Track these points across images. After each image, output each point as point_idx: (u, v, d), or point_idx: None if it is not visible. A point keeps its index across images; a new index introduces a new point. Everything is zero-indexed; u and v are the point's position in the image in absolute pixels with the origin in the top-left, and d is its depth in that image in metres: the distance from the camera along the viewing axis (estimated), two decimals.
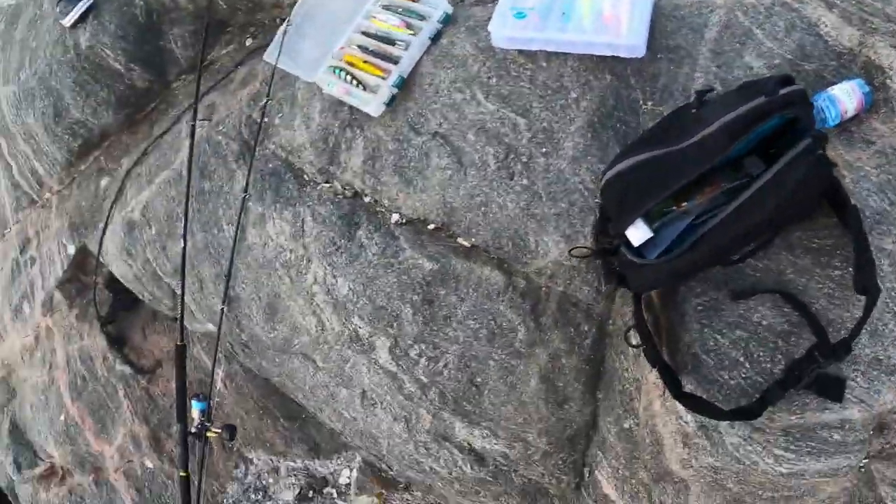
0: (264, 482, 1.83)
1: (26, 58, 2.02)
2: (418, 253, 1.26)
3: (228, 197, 1.54)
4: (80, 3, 1.86)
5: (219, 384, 1.77)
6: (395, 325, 1.30)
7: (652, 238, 0.93)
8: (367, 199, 1.38)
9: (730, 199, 0.87)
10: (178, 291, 1.66)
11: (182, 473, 1.66)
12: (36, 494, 2.30)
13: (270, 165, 1.51)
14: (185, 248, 1.50)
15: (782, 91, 0.82)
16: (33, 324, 2.17)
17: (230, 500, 1.86)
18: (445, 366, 1.30)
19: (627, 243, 0.91)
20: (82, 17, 1.86)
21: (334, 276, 1.33)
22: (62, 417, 2.05)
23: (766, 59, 1.07)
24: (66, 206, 2.06)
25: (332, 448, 1.73)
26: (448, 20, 1.42)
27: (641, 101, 1.19)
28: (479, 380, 1.30)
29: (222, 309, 1.52)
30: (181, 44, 1.89)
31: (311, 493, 1.76)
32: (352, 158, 1.38)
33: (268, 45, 1.60)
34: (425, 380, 1.31)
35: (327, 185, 1.42)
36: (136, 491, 1.98)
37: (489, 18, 1.30)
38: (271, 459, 1.82)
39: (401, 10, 1.45)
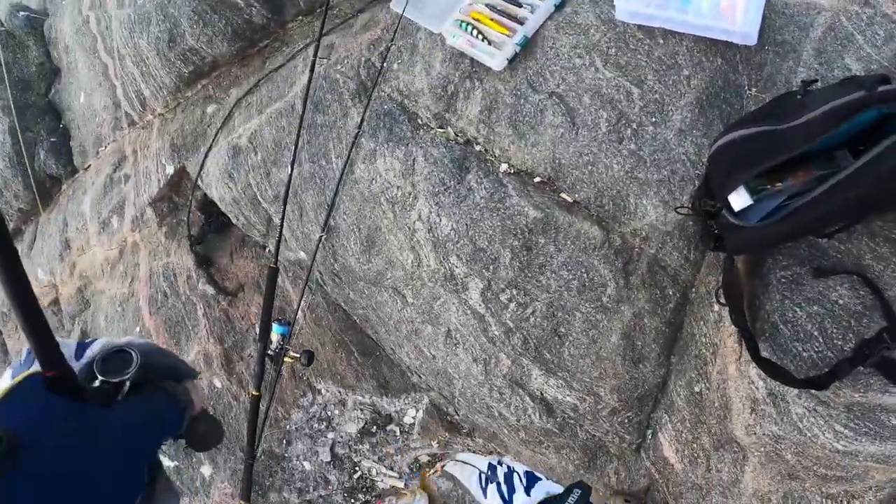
0: (329, 413, 2.22)
1: None
2: (525, 201, 1.58)
3: (341, 132, 1.90)
4: None
5: (296, 302, 2.16)
6: (491, 267, 1.63)
7: (746, 209, 1.22)
8: (478, 147, 1.71)
9: (820, 184, 1.14)
10: (276, 217, 2.05)
11: (255, 393, 2.06)
12: None
13: (385, 107, 1.86)
14: (291, 175, 1.88)
15: (881, 88, 1.08)
16: (120, 238, 2.62)
17: (293, 426, 2.26)
18: (533, 313, 1.62)
19: (729, 207, 1.20)
20: None
21: (439, 215, 1.67)
22: (137, 329, 2.49)
23: (864, 62, 1.33)
24: (168, 129, 2.49)
25: (401, 387, 2.09)
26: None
27: (746, 87, 1.47)
28: (562, 330, 1.61)
29: (321, 236, 1.89)
30: None
31: (374, 429, 2.13)
32: (469, 107, 1.71)
33: None
34: (511, 325, 1.64)
35: (441, 130, 1.76)
36: (200, 408, 2.40)
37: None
38: (339, 392, 2.20)
39: None
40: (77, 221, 2.87)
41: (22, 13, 3.38)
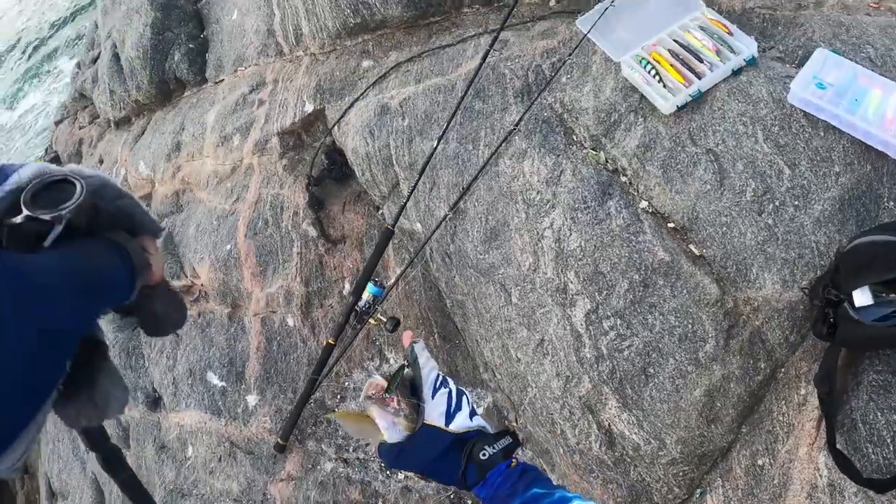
0: None
1: None
2: (657, 241, 1.93)
3: (496, 124, 2.28)
4: None
5: (395, 271, 2.54)
6: (604, 293, 1.97)
7: (864, 307, 1.54)
8: (624, 179, 2.06)
9: None
10: (404, 184, 2.45)
11: (331, 340, 2.46)
12: None
13: (545, 114, 2.23)
14: (435, 148, 2.27)
15: None
16: (237, 157, 3.07)
17: (352, 385, 2.64)
18: (629, 346, 1.96)
19: (851, 301, 1.52)
20: None
21: (570, 229, 2.03)
22: (228, 247, 2.92)
23: None
24: (317, 69, 2.92)
25: (469, 380, 2.45)
26: (753, 63, 2.06)
27: (886, 199, 1.78)
28: (651, 371, 1.95)
29: (447, 215, 2.27)
30: None
31: None
32: (627, 139, 2.07)
33: (570, 11, 2.33)
34: (605, 351, 1.98)
35: (593, 151, 2.12)
36: (266, 340, 2.81)
37: (787, 76, 1.93)
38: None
39: (716, 36, 2.12)
40: (195, 128, 3.35)
41: None
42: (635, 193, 2.03)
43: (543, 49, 2.38)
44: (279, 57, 3.17)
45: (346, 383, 2.65)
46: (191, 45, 3.72)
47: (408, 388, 0.99)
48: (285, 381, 2.73)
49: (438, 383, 0.97)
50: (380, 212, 2.68)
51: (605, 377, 1.98)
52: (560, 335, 2.04)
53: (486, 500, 0.91)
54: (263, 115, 3.02)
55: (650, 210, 1.99)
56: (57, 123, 5.30)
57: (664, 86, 2.05)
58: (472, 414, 0.97)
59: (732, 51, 2.05)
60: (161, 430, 3.12)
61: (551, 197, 2.09)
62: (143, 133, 3.85)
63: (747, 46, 2.04)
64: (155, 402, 3.20)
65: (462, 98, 2.29)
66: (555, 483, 0.92)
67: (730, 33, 2.08)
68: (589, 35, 2.23)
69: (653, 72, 2.07)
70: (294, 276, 2.75)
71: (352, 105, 2.67)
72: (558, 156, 2.14)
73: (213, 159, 3.18)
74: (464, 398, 0.98)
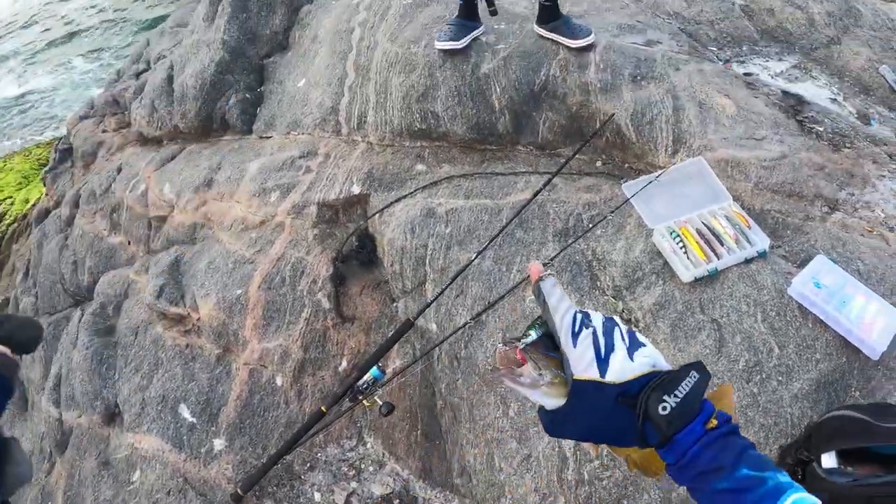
0: (363, 466, 2.83)
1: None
2: None
3: (532, 254, 2.71)
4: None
5: (397, 363, 2.85)
6: None
7: (829, 469, 1.93)
8: (633, 329, 2.47)
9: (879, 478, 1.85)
10: (431, 285, 2.81)
11: (324, 408, 2.72)
12: (153, 321, 3.45)
13: (577, 258, 2.66)
14: (472, 261, 2.67)
15: None
16: (271, 211, 3.42)
17: (324, 457, 2.87)
18: (610, 477, 2.28)
19: (819, 462, 1.91)
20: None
21: None
22: (238, 292, 3.20)
23: None
24: (371, 157, 3.36)
25: (441, 482, 2.71)
26: (763, 255, 2.56)
27: (853, 389, 2.22)
28: (625, 503, 2.27)
29: (467, 323, 2.63)
30: (547, 127, 3.22)
31: (396, 502, 2.73)
32: (646, 296, 2.50)
33: (612, 174, 2.85)
34: (586, 477, 2.30)
35: (613, 300, 2.55)
36: (250, 391, 3.03)
37: (788, 272, 2.43)
38: (384, 454, 2.83)
39: (737, 227, 2.62)
40: (233, 172, 3.71)
41: None
42: None
43: (586, 201, 2.86)
44: (336, 135, 3.60)
45: (319, 454, 2.87)
46: (247, 95, 4.16)
47: (543, 343, 0.88)
48: (258, 435, 2.94)
49: (578, 325, 0.85)
50: (395, 304, 3.02)
51: (580, 500, 2.28)
52: (548, 454, 2.36)
53: (677, 467, 0.82)
54: (308, 182, 3.41)
55: None
56: (81, 118, 5.59)
57: (688, 258, 2.51)
58: (633, 349, 0.84)
59: (749, 242, 2.55)
60: (110, 446, 3.25)
61: None
62: (173, 158, 4.19)
63: (761, 241, 2.55)
64: (111, 417, 3.34)
65: (508, 223, 2.73)
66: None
67: (749, 226, 2.59)
68: (631, 200, 2.71)
69: (680, 244, 2.54)
70: (296, 339, 3.03)
71: (399, 199, 3.08)
72: (582, 295, 2.55)
73: (244, 206, 3.52)
74: (616, 332, 0.86)
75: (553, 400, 0.83)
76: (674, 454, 0.80)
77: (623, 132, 3.13)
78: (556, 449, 2.35)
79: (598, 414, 0.81)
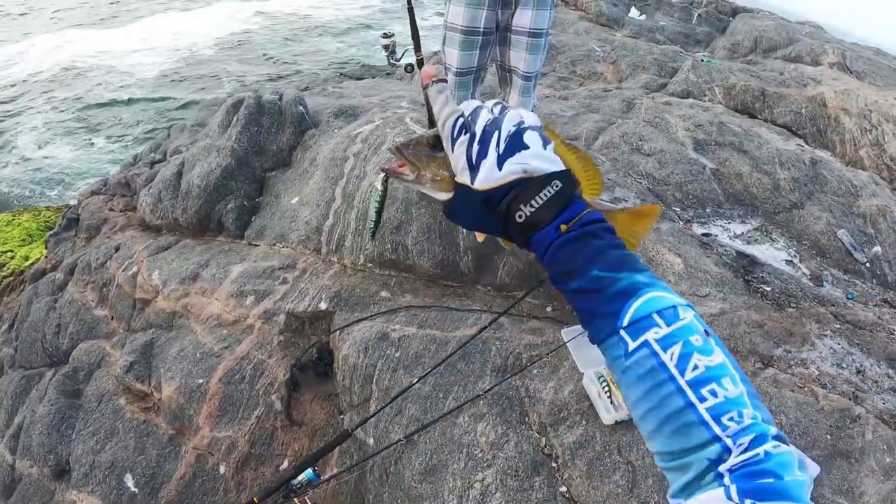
0: None
1: None
2: None
3: (469, 385, 2.96)
4: None
5: (334, 469, 3.04)
6: None
7: None
8: (554, 464, 2.68)
9: None
10: (375, 402, 3.05)
11: (255, 499, 2.90)
12: (117, 393, 3.67)
13: (511, 394, 2.91)
14: (412, 385, 2.92)
15: None
16: (244, 313, 3.71)
17: None
18: None
19: None
20: None
21: (497, 488, 2.60)
22: (200, 381, 3.44)
23: None
24: (342, 279, 3.69)
25: None
26: None
27: None
28: None
29: (400, 440, 2.85)
30: (506, 270, 3.55)
31: None
32: (568, 435, 2.72)
33: (560, 320, 3.14)
34: None
35: (538, 435, 2.77)
36: (193, 474, 3.22)
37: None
38: None
39: None
40: (218, 272, 4.03)
41: (300, 107, 4.96)
42: (559, 477, 2.65)
43: (528, 342, 3.14)
44: (315, 253, 3.95)
45: None
46: (244, 203, 4.54)
47: (428, 143, 0.91)
48: None
49: (458, 130, 0.86)
50: (342, 416, 3.26)
51: None
52: None
53: (544, 263, 0.85)
54: (282, 292, 3.71)
55: (567, 495, 2.60)
56: (93, 193, 5.99)
57: (611, 402, 2.76)
58: (507, 155, 0.84)
59: None
60: (53, 499, 3.41)
61: (491, 458, 2.70)
62: (167, 248, 4.52)
63: None
64: (61, 473, 3.51)
65: (450, 355, 2.99)
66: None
67: None
68: (568, 345, 2.99)
69: (606, 389, 2.80)
70: (245, 433, 3.25)
71: (359, 321, 3.37)
72: (508, 428, 2.79)
73: (222, 304, 3.81)
74: (494, 137, 0.85)
75: (443, 193, 0.89)
76: (537, 255, 0.85)
77: None
78: None
79: (473, 214, 0.87)
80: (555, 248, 0.81)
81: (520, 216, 0.82)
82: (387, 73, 8.54)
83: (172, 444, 3.38)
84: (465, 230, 3.61)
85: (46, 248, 6.01)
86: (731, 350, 3.07)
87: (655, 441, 0.78)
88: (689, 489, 0.74)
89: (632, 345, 0.77)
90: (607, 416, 2.76)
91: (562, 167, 0.85)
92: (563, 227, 0.81)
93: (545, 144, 0.85)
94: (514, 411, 2.89)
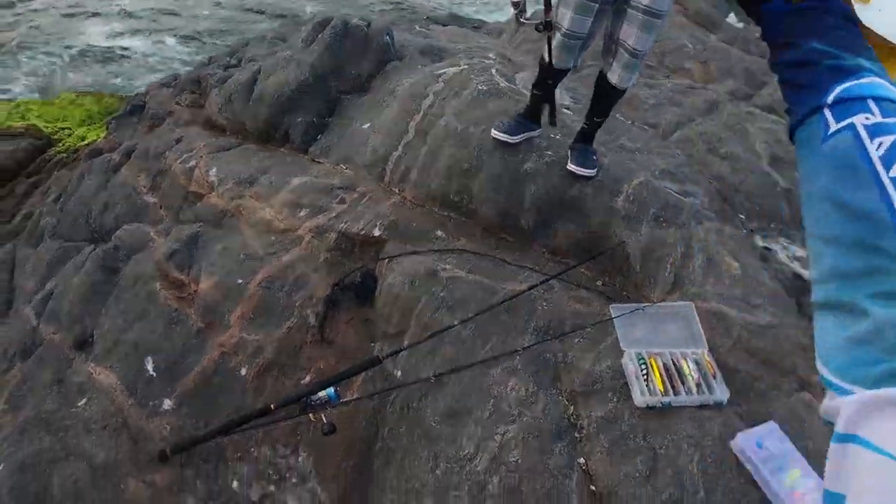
0: (288, 475, 2.98)
1: None
2: (576, 494, 2.47)
3: (508, 338, 2.92)
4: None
5: (356, 394, 3.03)
6: None
7: None
8: (577, 435, 2.64)
9: None
10: (410, 335, 3.03)
11: (272, 406, 2.89)
12: (154, 277, 3.67)
13: (547, 355, 2.87)
14: (453, 326, 2.89)
15: None
16: (296, 224, 3.71)
17: (255, 454, 3.01)
18: None
19: None
20: None
21: (516, 445, 2.57)
22: (240, 282, 3.42)
23: None
24: (401, 210, 3.66)
25: None
26: (719, 405, 2.72)
27: None
28: None
29: (429, 377, 2.82)
30: (563, 235, 3.49)
31: None
32: (597, 408, 2.67)
33: (608, 296, 3.11)
34: None
35: (567, 402, 2.73)
36: (214, 370, 3.19)
37: (736, 428, 2.60)
38: (311, 471, 2.98)
39: (703, 372, 2.80)
40: (277, 180, 4.03)
41: (387, 37, 4.91)
42: (580, 449, 2.61)
43: (574, 310, 3.09)
44: (378, 181, 3.92)
45: (252, 450, 3.01)
46: (314, 119, 4.52)
47: None
48: (206, 411, 3.11)
49: None
50: (373, 344, 3.24)
51: None
52: None
53: (767, 35, 0.82)
54: (338, 211, 3.69)
55: (584, 468, 2.57)
56: (162, 85, 6.03)
57: (647, 385, 2.70)
58: None
59: (709, 390, 2.74)
60: (71, 367, 3.41)
61: (517, 414, 2.67)
62: (229, 149, 4.53)
63: (721, 393, 2.75)
64: (82, 344, 3.52)
65: (497, 305, 2.96)
66: None
67: (714, 376, 2.78)
68: (614, 320, 2.94)
69: (644, 371, 2.75)
70: (273, 341, 3.24)
71: (411, 254, 3.34)
72: (539, 389, 2.75)
73: (275, 212, 3.80)
74: None
75: None
76: (763, 26, 0.82)
77: (630, 262, 3.38)
78: None
79: None
80: (782, 16, 0.77)
81: None
82: (474, 27, 8.43)
83: (199, 338, 3.38)
84: (533, 186, 3.55)
85: (107, 129, 6.08)
86: (773, 365, 3.01)
87: (826, 254, 0.66)
88: (862, 350, 0.58)
89: (833, 126, 0.68)
90: (640, 398, 2.70)
91: None
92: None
93: None
94: (548, 374, 2.84)
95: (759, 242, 4.14)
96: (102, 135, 6.48)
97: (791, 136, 0.77)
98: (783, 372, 3.03)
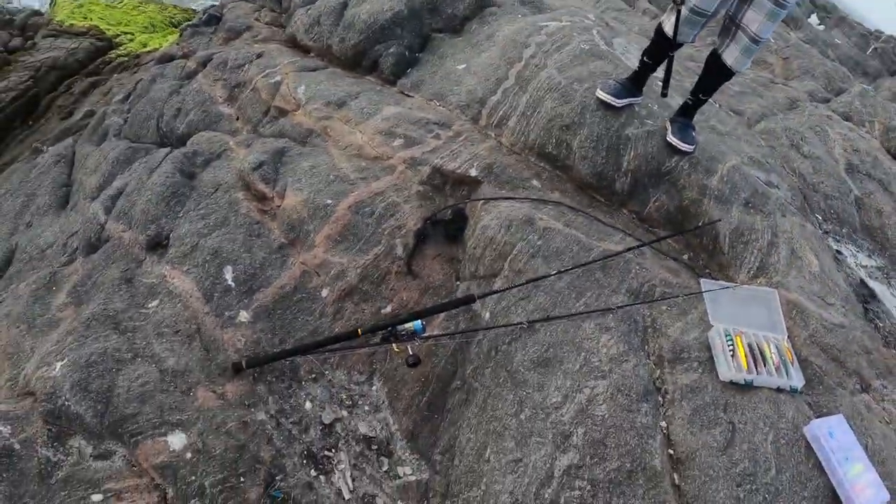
0: (361, 402, 3.01)
1: None
2: (658, 453, 2.52)
3: (602, 295, 2.95)
4: None
5: (437, 331, 3.06)
6: (595, 459, 2.52)
7: None
8: (660, 399, 2.69)
9: None
10: (502, 280, 3.05)
11: (359, 331, 2.89)
12: (237, 187, 3.65)
13: (637, 318, 2.91)
14: (549, 275, 2.91)
15: None
16: (388, 152, 3.71)
17: (330, 377, 3.04)
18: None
19: None
20: None
21: (605, 400, 2.62)
22: (329, 202, 3.40)
23: None
24: (497, 155, 3.65)
25: (421, 451, 2.86)
26: (794, 392, 2.80)
27: None
28: None
29: (521, 323, 2.85)
30: (656, 205, 3.50)
31: (374, 447, 2.89)
32: (683, 376, 2.73)
33: (693, 267, 3.16)
34: (562, 502, 2.50)
35: (654, 365, 2.77)
36: (294, 288, 3.19)
37: (808, 416, 2.71)
38: (384, 401, 3.01)
39: (783, 358, 2.85)
40: (369, 107, 4.02)
41: None
42: (663, 412, 2.67)
43: (665, 278, 3.12)
44: (472, 122, 3.91)
45: (328, 373, 3.05)
46: (405, 52, 4.50)
47: None
48: (282, 328, 3.11)
49: None
50: (458, 283, 3.26)
51: None
52: (537, 466, 2.56)
53: None
54: (433, 146, 3.69)
55: (665, 431, 2.63)
56: None
57: (733, 360, 2.76)
58: None
59: (787, 374, 2.82)
60: (141, 268, 3.38)
61: (607, 370, 2.71)
62: (314, 70, 4.51)
63: (798, 379, 2.85)
64: (155, 246, 3.49)
65: (596, 260, 2.99)
66: None
67: (793, 362, 2.87)
68: (704, 294, 2.97)
69: (731, 347, 2.80)
70: (358, 266, 3.26)
71: (508, 198, 3.35)
72: (629, 348, 2.80)
73: (367, 137, 3.80)
74: None
75: None
76: None
77: (719, 241, 3.41)
78: (548, 465, 2.54)
79: None
80: None
81: None
82: None
83: (281, 253, 3.37)
84: (632, 152, 3.55)
85: (181, 36, 6.02)
86: (840, 364, 3.06)
87: None
88: None
89: None
90: (725, 372, 2.76)
91: None
92: None
93: None
94: (638, 336, 2.89)
95: (832, 245, 4.17)
96: (165, 43, 6.43)
97: None
98: (849, 372, 3.10)
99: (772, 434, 2.63)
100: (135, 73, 6.67)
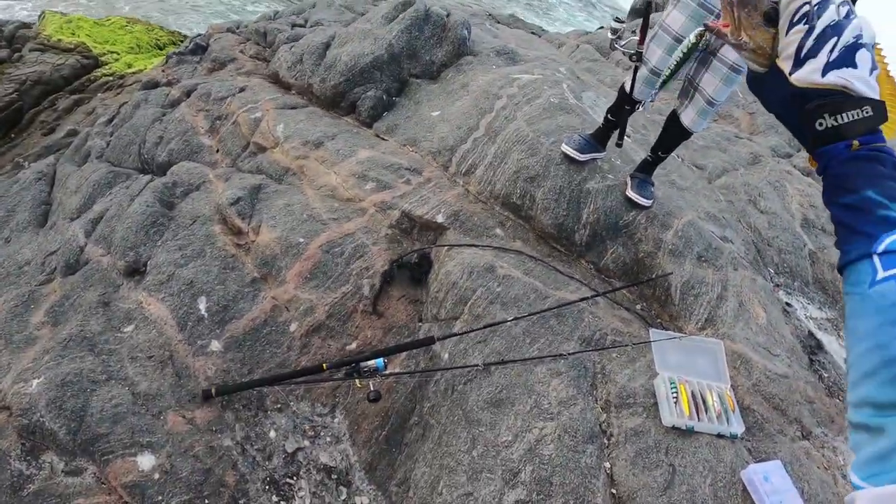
0: (323, 434, 3.22)
1: None
2: (601, 494, 2.75)
3: (555, 342, 3.19)
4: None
5: (398, 369, 3.29)
6: (542, 496, 2.75)
7: None
8: (605, 441, 2.93)
9: None
10: (462, 323, 3.28)
11: (324, 365, 3.14)
12: (214, 220, 3.89)
13: (588, 365, 3.15)
14: (506, 321, 3.15)
15: None
16: (361, 195, 3.94)
17: (294, 408, 3.26)
18: None
19: None
20: None
21: (552, 441, 2.85)
22: (301, 240, 3.66)
23: None
24: (464, 202, 3.90)
25: (378, 482, 3.08)
26: (734, 437, 3.04)
27: None
28: None
29: (477, 366, 3.08)
30: (613, 257, 3.76)
31: (334, 477, 3.10)
32: (628, 420, 2.96)
33: (646, 321, 3.37)
34: None
35: (601, 410, 3.01)
36: (264, 321, 3.42)
37: (746, 461, 2.91)
38: (345, 433, 3.23)
39: (724, 406, 3.10)
40: (344, 148, 4.27)
41: (465, 31, 5.16)
42: (607, 454, 2.90)
43: (616, 328, 3.37)
44: (442, 169, 4.17)
45: (292, 404, 3.26)
46: (383, 97, 4.76)
47: (763, 14, 0.91)
48: (251, 359, 3.32)
49: (800, 16, 0.86)
50: (420, 324, 3.49)
51: None
52: (486, 500, 2.77)
53: (821, 176, 0.89)
54: (404, 191, 3.94)
55: (609, 472, 2.85)
56: (227, 30, 6.21)
57: (675, 407, 3.00)
58: (836, 66, 0.84)
59: (728, 422, 3.07)
60: (118, 292, 3.57)
61: (556, 412, 2.94)
62: (294, 108, 4.75)
63: (738, 426, 3.10)
64: (133, 272, 3.68)
65: (549, 309, 3.23)
66: None
67: (734, 410, 3.12)
68: (652, 343, 3.23)
69: (675, 394, 3.05)
70: (326, 303, 3.48)
71: (472, 246, 3.60)
72: (578, 393, 3.04)
73: (340, 179, 4.04)
74: (830, 42, 0.84)
75: (757, 67, 0.94)
76: (820, 164, 0.90)
77: (671, 293, 3.67)
78: (497, 500, 2.76)
79: (776, 98, 0.92)
80: (840, 162, 0.85)
81: (820, 125, 0.86)
82: (532, 32, 8.70)
83: (254, 287, 3.58)
84: (592, 205, 3.83)
85: (166, 62, 6.25)
86: (782, 412, 3.33)
87: (863, 386, 0.76)
88: (880, 464, 0.71)
89: (881, 273, 0.77)
90: (668, 418, 3.01)
91: (878, 97, 0.86)
92: (856, 143, 0.84)
93: (872, 70, 0.86)
94: (587, 381, 3.12)
95: (783, 297, 4.46)
96: (150, 65, 6.65)
97: (840, 271, 0.86)
98: (789, 420, 3.36)
99: (710, 477, 2.88)
100: (118, 94, 6.87)
